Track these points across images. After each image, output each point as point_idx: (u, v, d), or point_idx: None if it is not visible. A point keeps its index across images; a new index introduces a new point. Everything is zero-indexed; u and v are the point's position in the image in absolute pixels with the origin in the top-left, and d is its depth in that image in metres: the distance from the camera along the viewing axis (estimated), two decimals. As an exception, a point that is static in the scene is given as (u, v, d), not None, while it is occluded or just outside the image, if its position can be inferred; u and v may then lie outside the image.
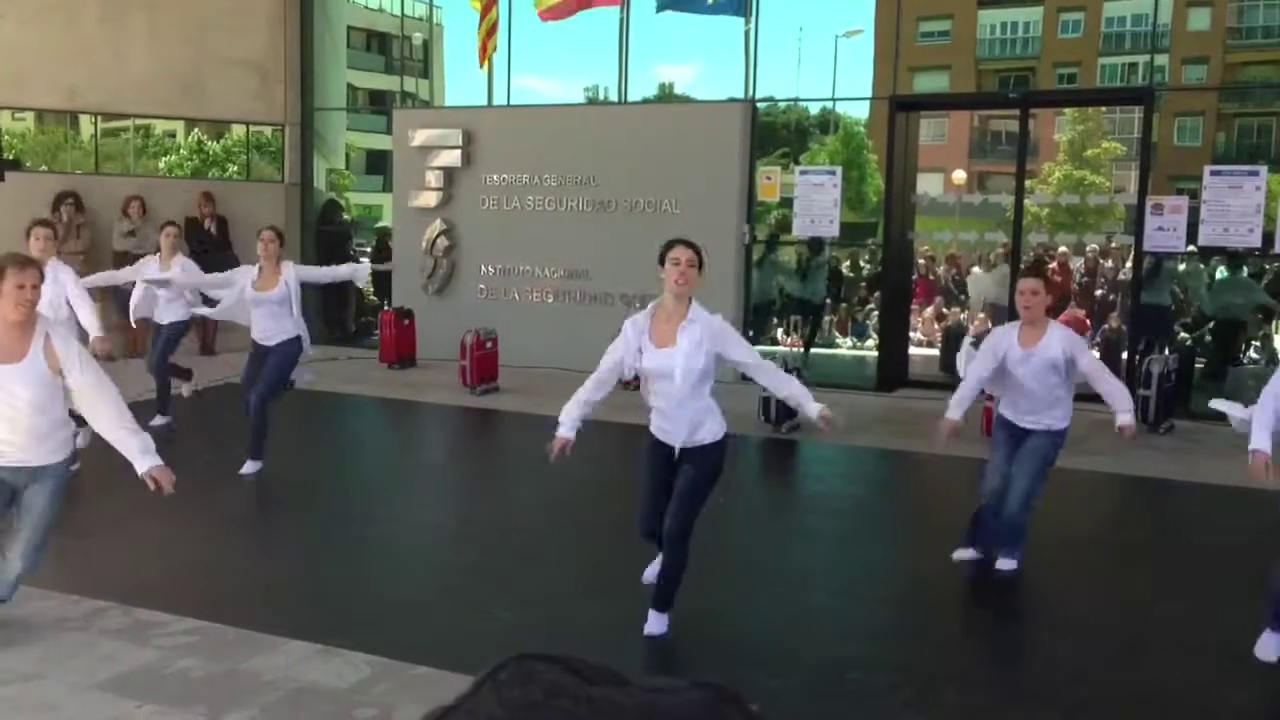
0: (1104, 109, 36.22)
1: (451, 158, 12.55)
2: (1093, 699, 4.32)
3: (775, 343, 15.43)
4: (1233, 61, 39.78)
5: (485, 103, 13.07)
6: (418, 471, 8.27)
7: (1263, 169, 10.21)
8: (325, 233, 14.41)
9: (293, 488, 7.39)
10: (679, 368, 4.46)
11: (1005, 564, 5.59)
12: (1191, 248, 10.77)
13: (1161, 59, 22.68)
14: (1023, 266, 10.48)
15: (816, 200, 11.29)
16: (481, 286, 12.55)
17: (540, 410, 10.02)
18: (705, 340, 4.50)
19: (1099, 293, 15.77)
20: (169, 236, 8.59)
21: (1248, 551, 6.36)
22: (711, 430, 4.64)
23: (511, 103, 13.05)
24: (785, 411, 8.97)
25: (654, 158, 11.53)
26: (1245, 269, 12.18)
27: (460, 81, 42.80)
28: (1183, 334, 14.39)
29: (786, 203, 12.47)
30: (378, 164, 41.03)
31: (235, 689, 4.16)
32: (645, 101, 14.44)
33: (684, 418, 4.57)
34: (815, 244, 12.81)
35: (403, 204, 12.76)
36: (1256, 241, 10.01)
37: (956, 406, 5.49)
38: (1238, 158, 36.26)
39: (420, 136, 12.66)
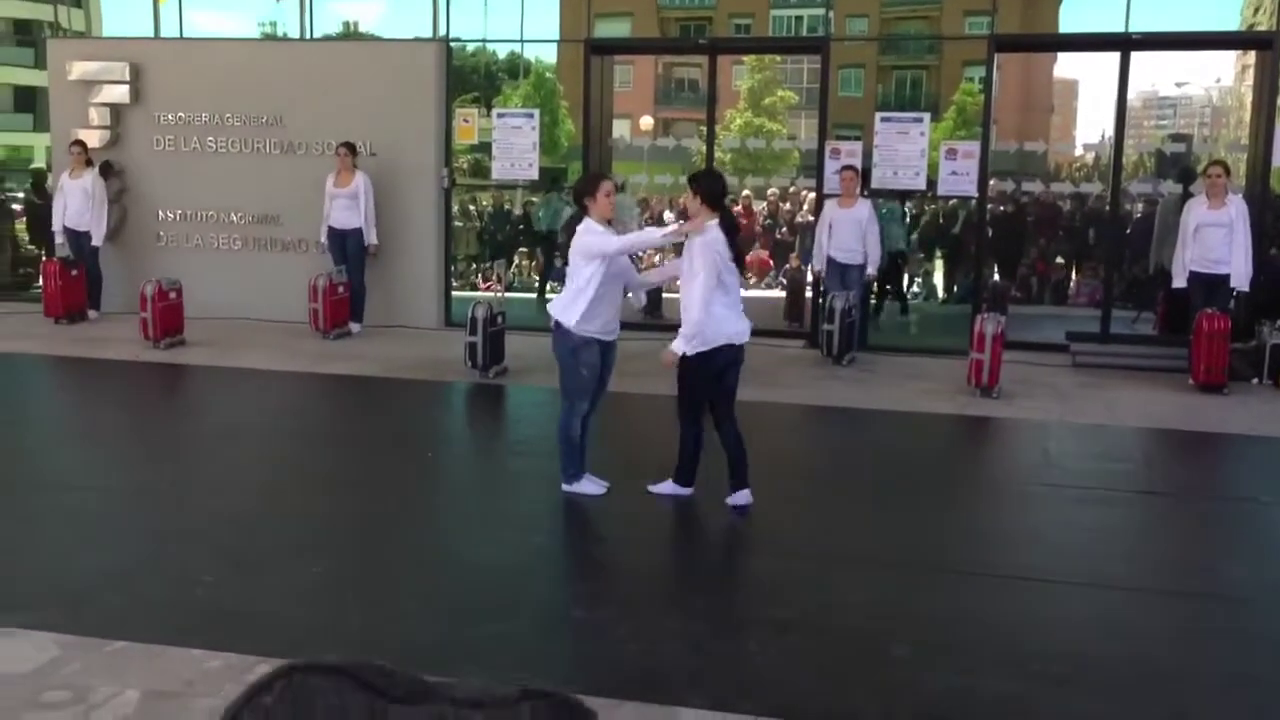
0: (779, 59, 38.14)
1: (118, 93, 11.53)
2: (796, 618, 4.61)
3: (475, 288, 15.36)
4: (888, 17, 42.93)
5: (152, 34, 12.09)
6: (103, 434, 7.61)
7: (926, 116, 11.04)
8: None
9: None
10: None
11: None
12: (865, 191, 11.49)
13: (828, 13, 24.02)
14: None
15: (516, 143, 11.22)
16: (160, 233, 11.67)
17: (232, 363, 9.49)
18: None
19: (781, 234, 16.63)
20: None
21: (922, 468, 6.98)
22: None
23: (184, 35, 12.13)
24: (492, 356, 8.92)
25: (346, 98, 11.05)
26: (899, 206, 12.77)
27: (120, 13, 39.35)
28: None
29: (482, 147, 12.32)
30: (27, 101, 37.08)
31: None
32: (328, 38, 13.76)
33: None
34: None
35: (63, 144, 11.52)
36: (921, 184, 10.87)
37: None
38: (895, 106, 39.22)
39: (79, 69, 11.54)
